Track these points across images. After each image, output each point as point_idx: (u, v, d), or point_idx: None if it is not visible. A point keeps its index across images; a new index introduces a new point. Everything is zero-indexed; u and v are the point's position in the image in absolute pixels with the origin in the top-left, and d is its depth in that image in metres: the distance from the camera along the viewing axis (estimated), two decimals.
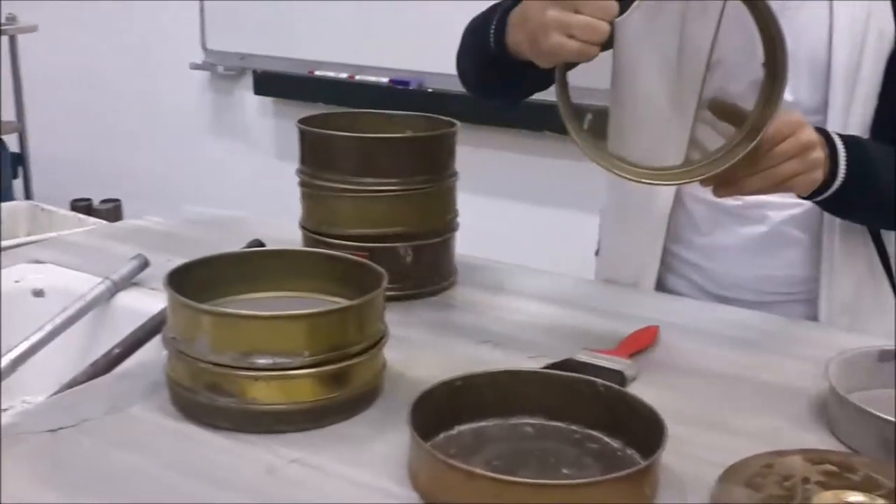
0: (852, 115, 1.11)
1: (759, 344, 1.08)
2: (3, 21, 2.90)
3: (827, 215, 1.15)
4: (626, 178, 0.97)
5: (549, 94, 1.09)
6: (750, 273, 1.22)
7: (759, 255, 1.21)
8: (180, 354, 0.86)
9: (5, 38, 2.91)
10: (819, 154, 0.99)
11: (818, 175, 1.00)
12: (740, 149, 0.94)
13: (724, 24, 1.12)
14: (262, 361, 0.83)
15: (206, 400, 0.85)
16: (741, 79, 1.13)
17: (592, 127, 0.98)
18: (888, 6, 1.07)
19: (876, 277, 1.20)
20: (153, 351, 1.07)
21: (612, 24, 1.15)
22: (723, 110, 1.00)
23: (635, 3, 1.15)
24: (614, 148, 1.01)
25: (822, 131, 1.03)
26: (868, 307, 1.19)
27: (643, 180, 0.98)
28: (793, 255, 1.20)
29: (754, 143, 0.93)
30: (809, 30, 1.10)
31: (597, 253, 1.37)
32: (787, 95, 1.11)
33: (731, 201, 1.18)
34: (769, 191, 0.99)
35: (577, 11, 0.90)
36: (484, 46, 1.12)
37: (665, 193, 1.22)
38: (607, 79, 1.11)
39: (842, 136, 1.04)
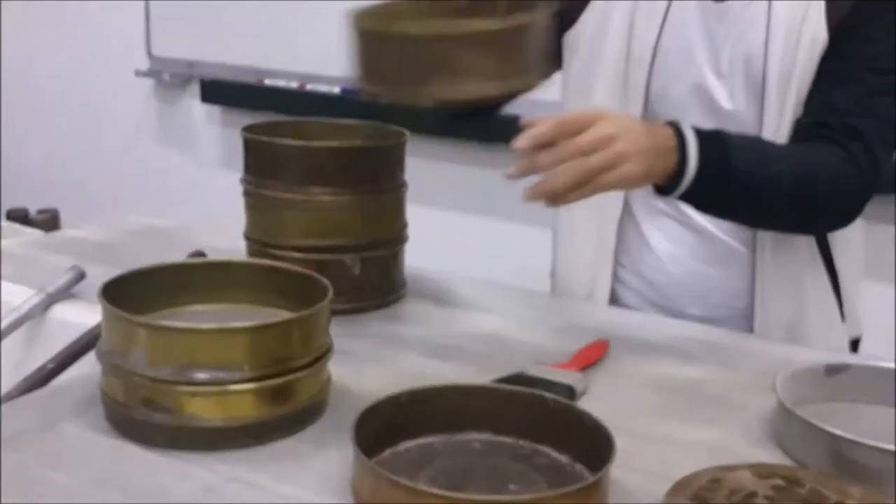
0: (784, 122, 1.11)
1: (706, 357, 1.08)
2: None
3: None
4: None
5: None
6: (696, 286, 1.21)
7: (702, 266, 1.20)
8: (115, 368, 0.83)
9: None
10: (624, 147, 0.91)
11: (629, 168, 0.92)
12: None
13: (666, 26, 1.14)
14: (200, 376, 0.80)
15: (141, 416, 0.82)
16: (682, 81, 1.15)
17: None
18: (822, 12, 1.08)
19: (819, 292, 1.20)
20: (88, 366, 1.03)
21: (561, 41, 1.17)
22: None
23: (586, 12, 1.16)
24: None
25: (674, 124, 1.00)
26: (810, 322, 1.19)
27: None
28: (734, 268, 1.19)
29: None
30: (748, 33, 1.11)
31: (551, 275, 1.36)
32: (726, 103, 1.13)
33: (662, 205, 1.19)
34: (583, 189, 0.91)
35: None
36: None
37: (614, 205, 1.22)
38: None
39: (699, 130, 1.00)
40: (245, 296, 0.97)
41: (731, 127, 1.10)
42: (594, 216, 1.23)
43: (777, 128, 1.11)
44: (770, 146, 1.08)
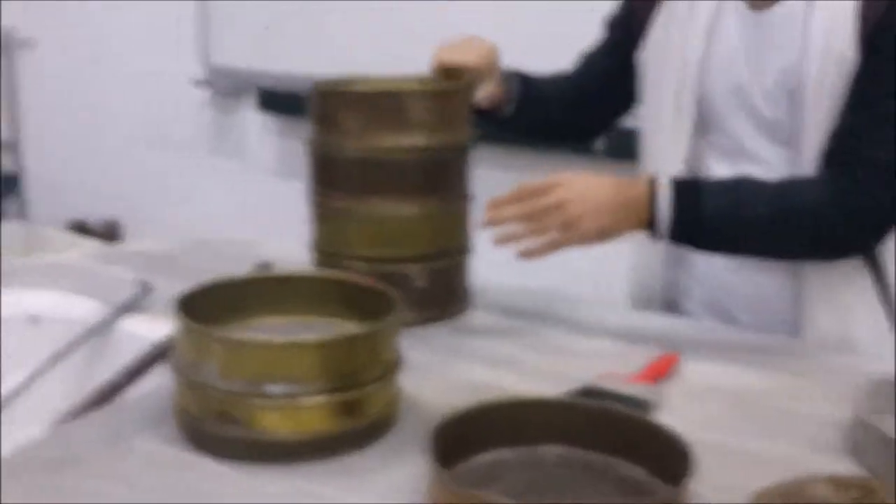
0: (823, 134, 1.09)
1: (779, 368, 1.06)
2: (2, 35, 2.85)
3: None
4: None
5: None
6: (747, 293, 1.20)
7: (754, 274, 1.19)
8: (189, 381, 0.83)
9: (4, 54, 2.86)
10: (577, 210, 1.03)
11: (585, 227, 1.04)
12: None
13: (712, 38, 1.15)
14: (273, 389, 0.80)
15: (214, 429, 0.82)
16: (727, 90, 1.15)
17: None
18: (852, 29, 1.06)
19: (867, 303, 1.17)
20: (156, 379, 1.04)
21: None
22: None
23: (651, 31, 1.19)
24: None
25: (651, 178, 1.08)
26: (859, 333, 1.16)
27: None
28: (781, 277, 1.18)
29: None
30: (785, 45, 1.10)
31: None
32: (768, 113, 1.13)
33: None
34: (546, 247, 1.06)
35: None
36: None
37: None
38: None
39: (678, 180, 1.09)
40: (312, 308, 0.96)
41: (776, 136, 1.12)
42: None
43: (818, 139, 1.10)
44: (752, 188, 1.09)
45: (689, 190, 1.08)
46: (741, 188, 1.10)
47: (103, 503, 0.76)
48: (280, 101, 2.94)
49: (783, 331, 1.18)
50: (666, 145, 1.22)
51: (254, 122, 3.09)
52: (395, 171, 1.13)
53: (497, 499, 0.69)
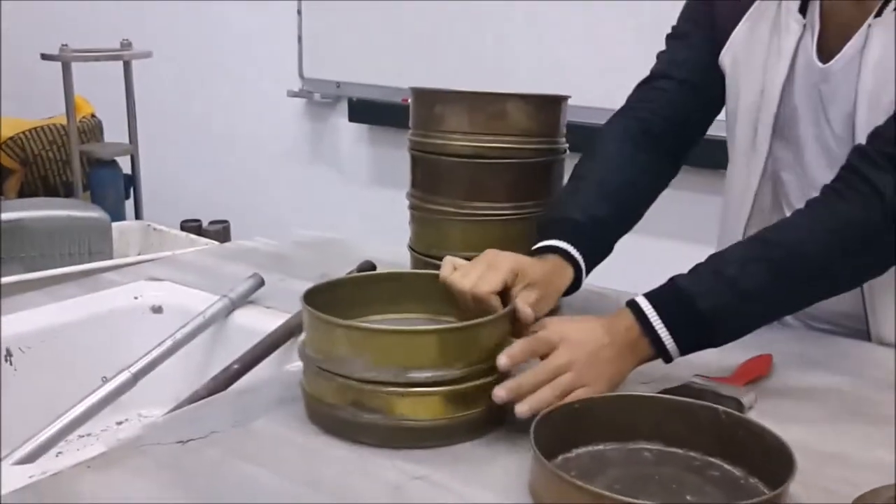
0: None
1: (875, 375, 1.06)
2: (120, 47, 3.01)
3: None
4: None
5: None
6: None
7: None
8: (321, 371, 0.88)
9: (120, 64, 3.02)
10: (581, 371, 0.90)
11: (596, 387, 0.91)
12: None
13: (797, 76, 1.12)
14: (415, 376, 0.84)
15: (350, 416, 0.86)
16: (803, 120, 1.13)
17: None
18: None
19: None
20: (270, 367, 1.10)
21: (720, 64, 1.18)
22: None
23: (734, 34, 1.17)
24: None
25: (630, 305, 0.96)
26: None
27: None
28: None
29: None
30: (845, 92, 1.08)
31: None
32: (837, 149, 1.09)
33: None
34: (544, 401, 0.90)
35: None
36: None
37: (744, 208, 1.21)
38: None
39: (654, 296, 0.96)
40: (419, 306, 1.01)
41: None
42: (730, 217, 1.23)
43: None
44: (738, 252, 0.99)
45: (676, 301, 0.96)
46: (729, 259, 0.98)
47: (226, 477, 0.81)
48: (370, 111, 3.03)
49: (854, 333, 1.17)
50: (741, 173, 1.21)
51: (346, 131, 3.18)
52: (495, 173, 1.18)
53: (603, 492, 0.71)
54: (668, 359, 0.97)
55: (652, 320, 0.95)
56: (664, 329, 0.95)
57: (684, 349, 0.96)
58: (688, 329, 0.95)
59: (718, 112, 1.24)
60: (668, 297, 0.96)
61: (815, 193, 1.03)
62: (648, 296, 0.97)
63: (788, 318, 1.24)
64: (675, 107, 1.21)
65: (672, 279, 0.97)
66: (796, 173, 1.16)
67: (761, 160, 1.17)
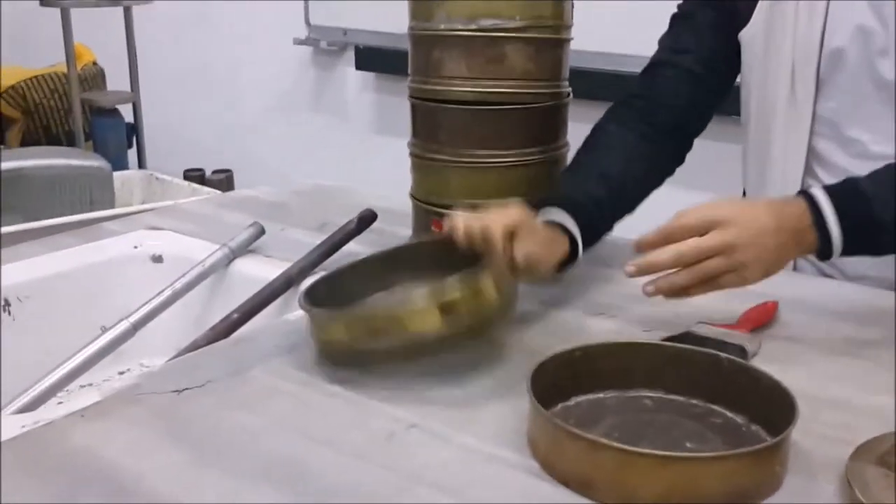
0: None
1: (881, 322, 1.03)
2: None
3: None
4: None
5: None
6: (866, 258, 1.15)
7: None
8: (337, 315, 0.90)
9: (120, 10, 2.98)
10: (743, 257, 0.90)
11: (748, 274, 0.91)
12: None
13: (828, 21, 1.09)
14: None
15: (365, 345, 0.87)
16: (851, 70, 1.10)
17: None
18: None
19: None
20: (270, 316, 1.10)
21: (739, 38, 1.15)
22: None
23: (756, 12, 1.14)
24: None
25: (806, 196, 0.94)
26: None
27: None
28: None
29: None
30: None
31: None
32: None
33: (844, 164, 1.14)
34: (701, 287, 0.92)
35: None
36: None
37: (795, 173, 1.19)
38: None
39: (833, 191, 0.94)
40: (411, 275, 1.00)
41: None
42: (777, 180, 1.20)
43: None
44: None
45: (855, 199, 0.94)
46: None
47: (222, 425, 0.81)
48: (377, 58, 2.99)
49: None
50: (782, 129, 1.18)
51: (353, 79, 3.15)
52: (496, 118, 1.15)
53: (598, 438, 0.70)
54: (826, 256, 0.94)
55: (825, 213, 0.92)
56: (836, 225, 0.92)
57: (846, 250, 0.94)
58: (857, 232, 0.93)
59: (725, 97, 1.22)
60: (845, 193, 0.94)
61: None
62: (826, 188, 0.94)
63: (803, 264, 1.23)
64: (679, 96, 1.19)
65: (852, 179, 0.96)
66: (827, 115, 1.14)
67: (809, 108, 1.14)
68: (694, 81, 1.18)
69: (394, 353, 0.87)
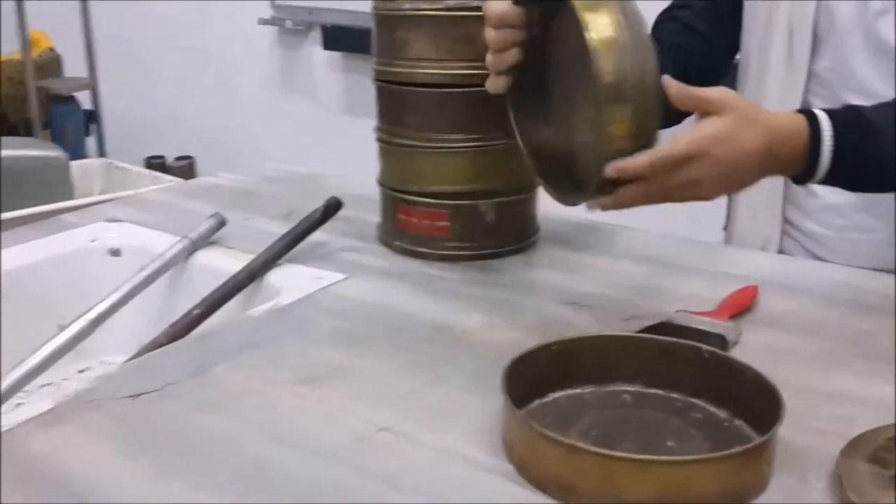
0: None
1: (875, 306, 1.00)
2: None
3: None
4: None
5: None
6: (862, 239, 1.15)
7: (868, 219, 1.14)
8: None
9: None
10: (707, 191, 0.88)
11: (708, 194, 0.89)
12: None
13: None
14: None
15: None
16: (854, 43, 1.08)
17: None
18: None
19: None
20: (233, 311, 1.05)
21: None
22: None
23: None
24: None
25: (806, 115, 0.92)
26: None
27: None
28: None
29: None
30: None
31: (725, 228, 1.33)
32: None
33: None
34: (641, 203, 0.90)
35: None
36: None
37: None
38: None
39: (836, 116, 0.92)
40: None
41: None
42: None
43: None
44: None
45: (853, 125, 0.92)
46: None
47: (184, 431, 0.77)
48: (344, 38, 2.93)
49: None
50: (778, 86, 1.17)
51: (320, 59, 3.09)
52: (465, 102, 1.11)
53: (576, 443, 0.67)
54: (801, 183, 0.94)
55: (824, 143, 0.91)
56: (829, 150, 0.91)
57: (825, 180, 0.93)
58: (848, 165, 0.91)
59: (730, 58, 1.25)
60: (847, 122, 0.92)
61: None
62: (829, 113, 0.92)
63: (790, 246, 1.21)
64: (698, 37, 1.21)
65: (856, 108, 0.95)
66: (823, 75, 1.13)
67: (804, 66, 1.14)
68: (694, 36, 1.21)
69: None
